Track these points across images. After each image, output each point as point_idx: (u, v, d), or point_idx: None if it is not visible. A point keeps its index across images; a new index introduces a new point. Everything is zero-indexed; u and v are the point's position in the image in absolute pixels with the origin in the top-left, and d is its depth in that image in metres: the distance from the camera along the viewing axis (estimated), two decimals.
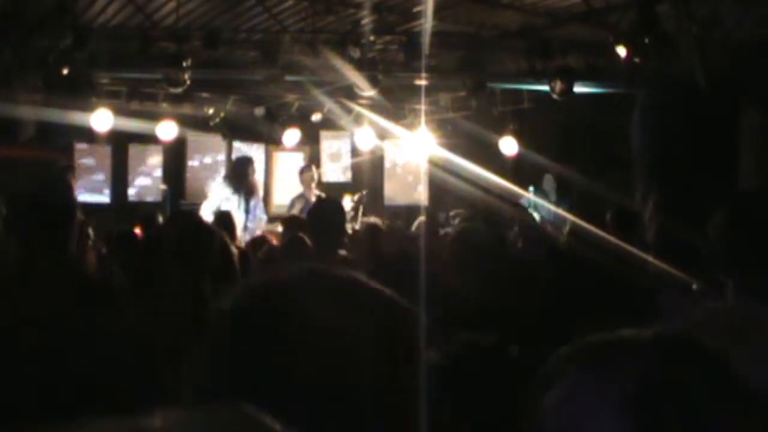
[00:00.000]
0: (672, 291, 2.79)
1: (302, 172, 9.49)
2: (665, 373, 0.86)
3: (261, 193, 8.53)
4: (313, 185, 9.15)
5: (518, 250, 4.87)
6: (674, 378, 0.85)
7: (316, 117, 11.30)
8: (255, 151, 12.26)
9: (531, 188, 9.43)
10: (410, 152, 11.50)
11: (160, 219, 7.72)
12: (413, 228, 6.53)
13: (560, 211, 8.84)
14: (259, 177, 12.22)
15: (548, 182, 9.41)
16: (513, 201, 8.94)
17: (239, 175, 8.35)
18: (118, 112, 9.65)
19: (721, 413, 0.83)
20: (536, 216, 9.11)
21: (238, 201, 8.15)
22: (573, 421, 0.83)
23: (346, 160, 12.41)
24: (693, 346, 0.90)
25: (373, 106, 10.40)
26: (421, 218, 6.43)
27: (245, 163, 8.63)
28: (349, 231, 7.98)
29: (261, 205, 8.54)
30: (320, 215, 3.89)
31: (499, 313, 2.57)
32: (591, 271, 2.63)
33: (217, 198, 8.21)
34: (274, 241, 6.36)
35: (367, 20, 7.55)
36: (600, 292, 2.52)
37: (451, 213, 8.26)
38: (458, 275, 3.05)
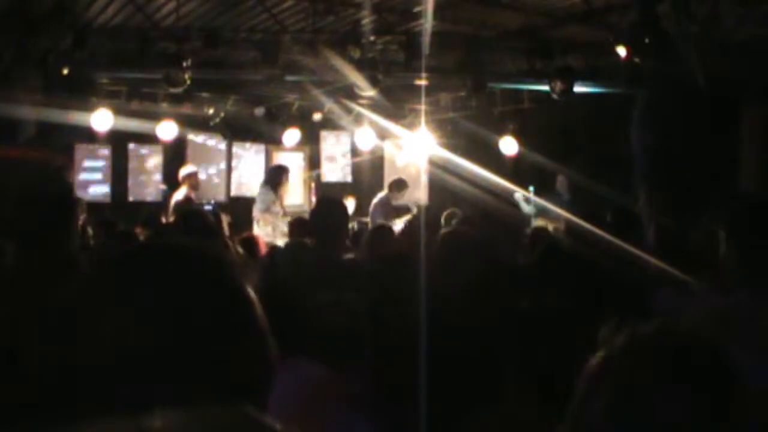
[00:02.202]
0: (670, 290, 2.79)
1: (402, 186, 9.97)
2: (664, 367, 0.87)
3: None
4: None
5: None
6: (675, 371, 0.87)
7: (316, 117, 11.30)
8: (255, 151, 12.27)
9: (531, 188, 9.42)
10: (410, 152, 11.50)
11: (162, 219, 7.74)
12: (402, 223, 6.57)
13: (554, 208, 8.84)
14: (259, 176, 12.26)
15: (561, 183, 9.39)
16: (508, 199, 8.98)
17: (276, 184, 9.24)
18: (118, 112, 9.65)
19: (717, 405, 0.84)
20: (528, 211, 9.10)
21: (279, 207, 9.15)
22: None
23: (346, 160, 12.41)
24: (693, 341, 0.91)
25: (373, 106, 10.40)
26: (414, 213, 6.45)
27: (280, 172, 9.49)
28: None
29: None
30: (322, 215, 3.87)
31: (486, 315, 2.57)
32: (588, 270, 2.64)
33: (264, 202, 9.17)
34: (261, 242, 6.38)
35: (367, 20, 7.54)
36: (596, 290, 2.52)
37: (446, 212, 8.24)
38: (445, 277, 3.05)
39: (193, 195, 9.59)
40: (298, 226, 6.16)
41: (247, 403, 0.64)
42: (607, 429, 0.88)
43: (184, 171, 10.02)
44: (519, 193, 9.24)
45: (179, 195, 9.56)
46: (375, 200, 10.12)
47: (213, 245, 0.95)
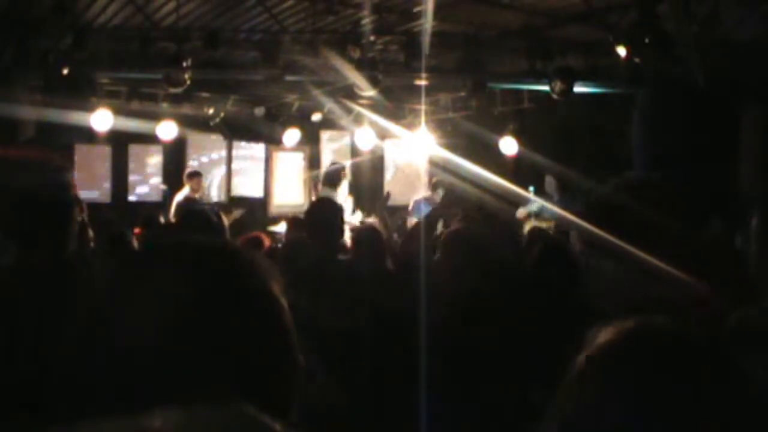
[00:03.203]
0: (668, 289, 2.79)
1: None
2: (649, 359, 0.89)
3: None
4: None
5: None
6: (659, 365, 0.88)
7: (316, 117, 11.30)
8: (255, 151, 12.27)
9: (531, 188, 9.41)
10: (410, 152, 11.50)
11: (161, 219, 7.74)
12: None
13: (563, 213, 8.80)
14: (259, 176, 12.26)
15: (549, 184, 9.37)
16: (515, 205, 8.94)
17: (335, 184, 8.85)
18: (118, 112, 9.65)
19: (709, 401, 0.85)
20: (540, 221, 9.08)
21: (347, 205, 8.87)
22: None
23: (346, 160, 12.42)
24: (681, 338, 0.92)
25: (373, 106, 10.40)
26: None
27: (339, 171, 9.10)
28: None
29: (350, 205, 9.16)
30: (317, 215, 3.87)
31: (491, 312, 2.58)
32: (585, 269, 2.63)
33: None
34: (267, 242, 6.35)
35: (367, 20, 7.54)
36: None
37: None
38: (451, 275, 3.06)
39: (195, 196, 9.60)
40: (295, 224, 6.10)
41: (271, 407, 0.64)
42: (588, 422, 0.89)
43: (187, 171, 10.04)
44: (530, 205, 9.20)
45: (180, 196, 9.58)
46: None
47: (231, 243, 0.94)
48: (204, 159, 11.85)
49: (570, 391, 0.92)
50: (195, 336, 0.81)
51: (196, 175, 10.03)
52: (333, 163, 9.63)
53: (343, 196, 8.78)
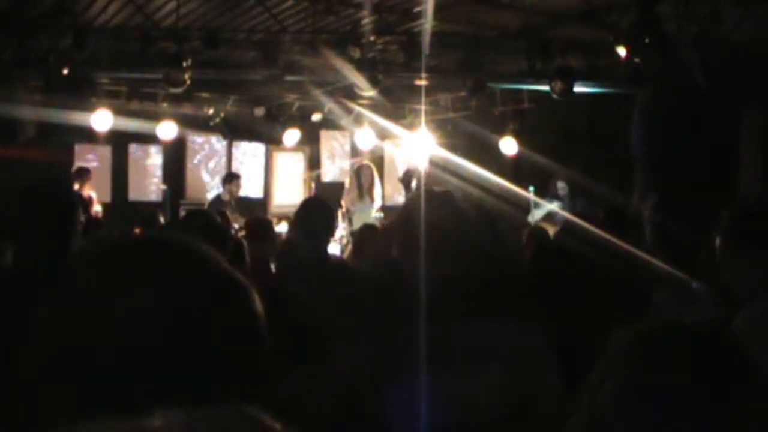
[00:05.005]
0: (668, 289, 2.79)
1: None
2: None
3: (379, 190, 9.02)
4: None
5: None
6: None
7: (316, 117, 11.30)
8: (255, 151, 12.27)
9: (531, 188, 9.40)
10: (410, 152, 11.50)
11: (161, 219, 7.73)
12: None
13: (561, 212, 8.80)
14: (259, 176, 12.24)
15: (562, 189, 9.37)
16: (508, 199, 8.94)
17: (359, 184, 8.89)
18: (118, 112, 9.65)
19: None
20: (536, 216, 9.07)
21: (366, 204, 8.65)
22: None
23: (346, 160, 12.41)
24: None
25: (373, 106, 10.40)
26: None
27: (359, 171, 9.14)
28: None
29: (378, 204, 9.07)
30: (308, 214, 3.83)
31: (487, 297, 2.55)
32: (585, 268, 2.63)
33: (350, 204, 8.78)
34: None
35: (367, 20, 7.54)
36: (591, 287, 2.52)
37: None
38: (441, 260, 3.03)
39: (227, 198, 9.61)
40: (257, 227, 5.63)
41: (238, 395, 0.64)
42: (616, 420, 0.89)
43: (226, 173, 10.16)
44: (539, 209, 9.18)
45: (213, 196, 9.71)
46: None
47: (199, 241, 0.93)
48: (204, 159, 11.85)
49: (597, 389, 0.91)
50: (165, 332, 0.81)
51: (234, 177, 10.04)
52: (359, 165, 9.56)
53: (370, 191, 8.75)
